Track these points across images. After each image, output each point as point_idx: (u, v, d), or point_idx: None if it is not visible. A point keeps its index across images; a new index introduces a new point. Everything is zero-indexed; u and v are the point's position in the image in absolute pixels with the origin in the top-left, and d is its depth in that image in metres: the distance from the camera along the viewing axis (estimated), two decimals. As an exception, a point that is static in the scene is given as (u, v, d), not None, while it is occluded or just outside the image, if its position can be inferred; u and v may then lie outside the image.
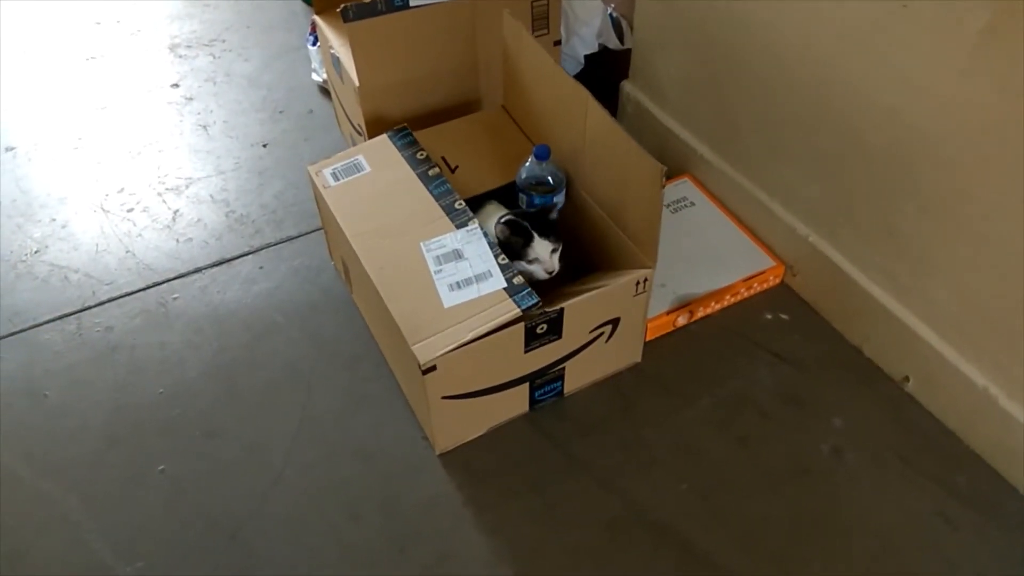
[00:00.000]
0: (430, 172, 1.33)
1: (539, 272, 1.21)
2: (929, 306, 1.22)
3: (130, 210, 1.67)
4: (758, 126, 1.42)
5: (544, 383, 1.26)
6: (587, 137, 1.25)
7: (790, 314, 1.42)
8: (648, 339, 1.37)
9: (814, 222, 1.37)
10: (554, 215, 1.27)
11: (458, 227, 1.23)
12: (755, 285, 1.44)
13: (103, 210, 1.67)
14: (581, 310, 1.18)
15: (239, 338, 1.42)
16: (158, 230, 1.62)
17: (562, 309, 1.15)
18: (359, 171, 1.36)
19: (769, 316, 1.42)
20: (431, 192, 1.29)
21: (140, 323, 1.46)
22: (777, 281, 1.46)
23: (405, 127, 1.41)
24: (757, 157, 1.45)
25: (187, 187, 1.71)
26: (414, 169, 1.34)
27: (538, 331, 1.16)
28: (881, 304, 1.28)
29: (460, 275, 1.17)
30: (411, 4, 1.41)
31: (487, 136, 1.46)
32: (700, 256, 1.46)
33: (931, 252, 1.18)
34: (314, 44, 1.87)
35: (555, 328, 1.17)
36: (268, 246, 1.58)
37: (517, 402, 1.26)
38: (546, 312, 1.14)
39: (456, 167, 1.39)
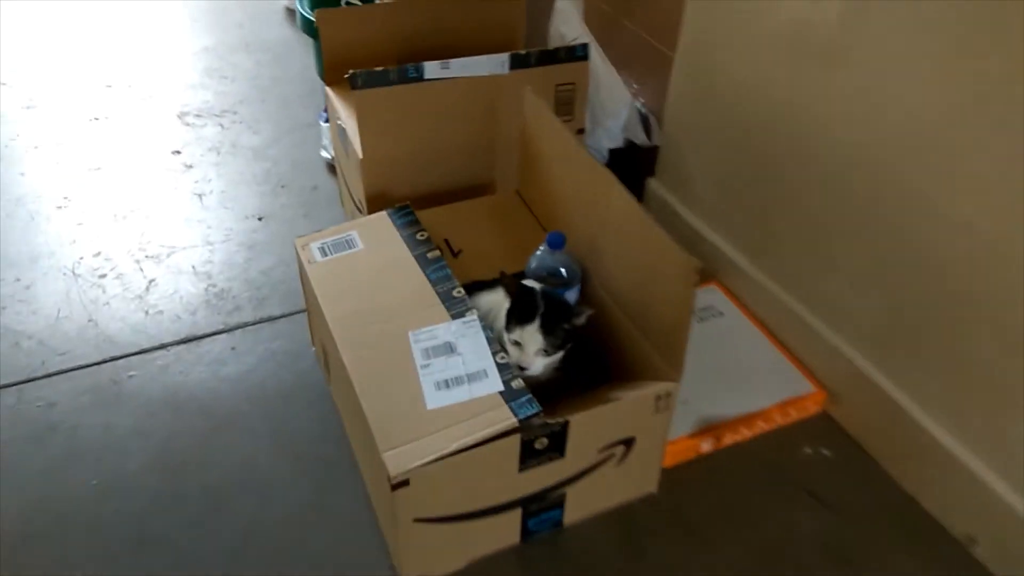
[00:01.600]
0: (429, 254, 1.17)
1: (512, 358, 1.02)
2: (1006, 456, 1.02)
3: (102, 276, 1.52)
4: (799, 232, 1.27)
5: (540, 510, 1.06)
6: (609, 225, 1.10)
7: (833, 450, 1.22)
8: (666, 465, 1.17)
9: (863, 343, 1.20)
10: (577, 320, 1.05)
11: (454, 317, 1.07)
12: (791, 412, 1.25)
13: (73, 274, 1.53)
14: (590, 425, 0.99)
15: (195, 427, 1.24)
16: (128, 299, 1.47)
17: (567, 422, 0.97)
18: (351, 248, 1.21)
19: (808, 450, 1.22)
20: (428, 276, 1.14)
21: (87, 401, 1.28)
22: (817, 409, 1.27)
23: (407, 205, 1.27)
24: (797, 267, 1.29)
25: (168, 256, 1.57)
26: (412, 250, 1.19)
27: (537, 446, 0.97)
28: (943, 447, 1.09)
29: (450, 372, 1.00)
30: (425, 76, 1.30)
31: (497, 221, 1.32)
32: (729, 373, 1.28)
33: (1012, 390, 0.99)
34: (326, 120, 1.77)
35: (558, 444, 0.98)
36: (245, 325, 1.42)
37: (506, 531, 1.06)
38: (548, 424, 0.96)
39: (460, 251, 1.24)
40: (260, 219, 1.68)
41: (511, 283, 1.06)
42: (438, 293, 1.11)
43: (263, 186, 1.77)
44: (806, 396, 1.25)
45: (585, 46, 1.37)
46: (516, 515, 1.04)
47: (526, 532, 1.07)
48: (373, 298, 1.12)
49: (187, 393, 1.29)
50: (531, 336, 1.01)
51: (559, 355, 1.04)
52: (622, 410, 1.01)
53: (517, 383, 0.98)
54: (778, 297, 1.33)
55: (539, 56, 1.34)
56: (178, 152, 1.88)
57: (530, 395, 0.96)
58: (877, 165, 1.10)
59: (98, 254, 1.57)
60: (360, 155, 1.33)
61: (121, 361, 1.35)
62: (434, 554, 1.02)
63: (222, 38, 2.38)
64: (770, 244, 1.34)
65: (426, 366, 1.01)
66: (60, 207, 1.70)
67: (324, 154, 1.82)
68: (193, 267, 1.55)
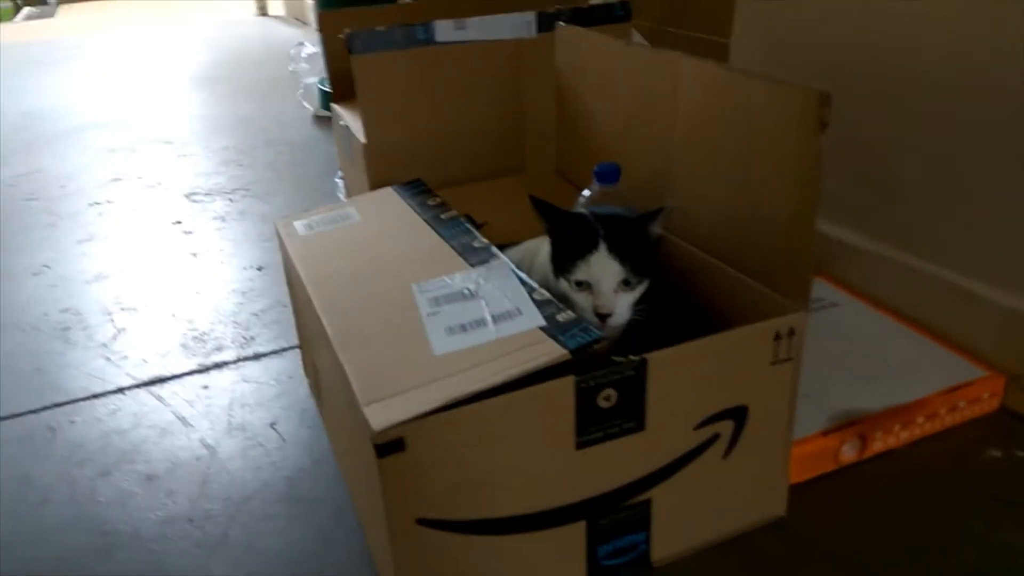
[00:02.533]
0: (443, 215, 0.90)
1: (584, 312, 0.71)
2: None
3: (65, 328, 1.27)
4: (933, 176, 0.97)
5: (614, 529, 0.69)
6: (681, 122, 0.81)
7: (1033, 451, 0.85)
8: (794, 481, 0.81)
9: (1050, 295, 0.86)
10: (654, 228, 0.75)
11: (474, 265, 0.78)
12: (960, 404, 0.88)
13: (33, 328, 1.28)
14: (680, 372, 0.66)
15: (133, 477, 0.92)
16: (89, 348, 1.20)
17: (644, 360, 0.64)
18: (345, 220, 0.94)
19: (997, 453, 0.85)
20: (441, 233, 0.86)
21: (14, 451, 0.98)
22: (995, 401, 0.90)
23: (419, 180, 1.02)
24: (935, 222, 0.98)
25: (147, 306, 1.32)
26: (423, 214, 0.92)
27: (602, 402, 0.63)
28: None
29: (467, 316, 0.69)
30: (437, 39, 1.10)
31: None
32: (861, 364, 0.94)
33: None
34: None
35: (633, 403, 0.65)
36: (223, 364, 1.13)
37: (565, 565, 0.69)
38: (617, 363, 0.63)
39: (484, 223, 0.97)
40: (260, 269, 1.43)
41: (551, 210, 0.76)
42: (454, 247, 0.82)
43: (268, 242, 1.55)
44: (975, 382, 0.89)
45: (626, 3, 1.17)
46: (578, 535, 0.68)
47: (596, 570, 0.70)
48: (369, 258, 0.84)
49: (138, 436, 0.99)
50: (603, 266, 0.71)
51: (644, 286, 0.73)
52: (725, 350, 0.67)
53: (565, 315, 0.66)
54: (910, 267, 1.00)
55: (571, 15, 1.13)
56: (179, 222, 1.69)
57: (586, 323, 0.64)
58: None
59: (66, 310, 1.33)
60: (363, 140, 1.10)
61: (68, 407, 1.06)
62: (453, 594, 0.66)
63: (244, 138, 2.28)
64: (889, 203, 1.04)
65: (434, 314, 0.70)
66: (36, 273, 1.48)
67: (338, 209, 1.61)
68: (173, 314, 1.29)
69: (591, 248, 0.71)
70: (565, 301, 0.70)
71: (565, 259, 0.73)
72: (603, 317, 0.70)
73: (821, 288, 1.10)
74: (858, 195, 1.07)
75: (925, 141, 0.96)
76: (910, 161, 0.98)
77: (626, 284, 0.71)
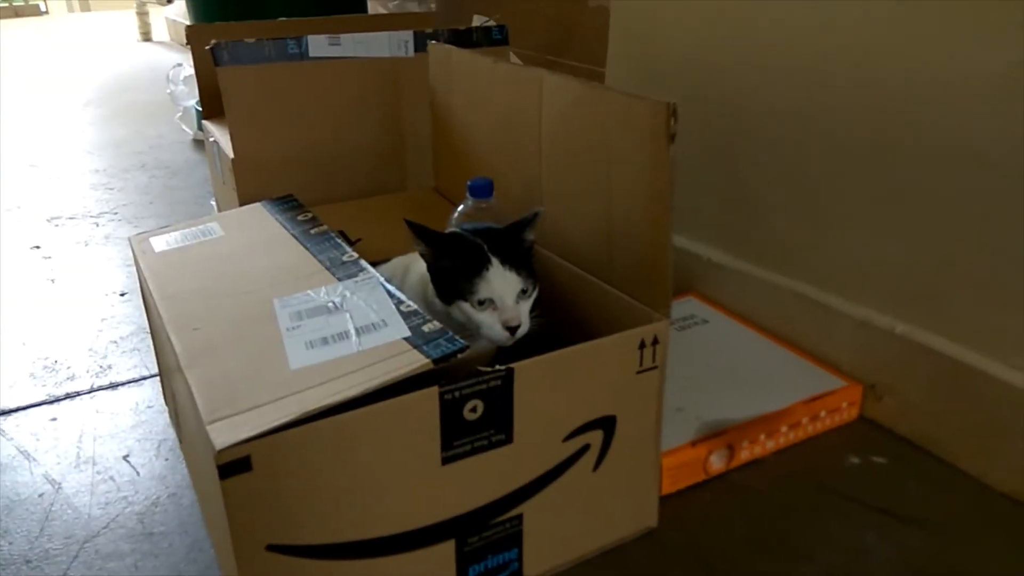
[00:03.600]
0: (313, 231, 0.87)
1: (492, 329, 0.70)
2: None
3: None
4: (791, 195, 1.02)
5: (485, 548, 0.67)
6: (545, 143, 0.82)
7: (887, 455, 0.88)
8: (666, 491, 0.81)
9: (904, 303, 0.90)
10: (528, 234, 0.74)
11: (342, 279, 0.75)
12: (821, 413, 0.91)
13: None
14: (546, 381, 0.65)
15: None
16: (-81, 381, 1.09)
17: (511, 370, 0.63)
18: (207, 236, 0.90)
19: (856, 460, 0.88)
20: (309, 248, 0.83)
21: None
22: (854, 411, 0.94)
23: (290, 195, 0.98)
24: (793, 239, 1.02)
25: (-9, 336, 1.22)
26: (291, 229, 0.88)
27: (468, 415, 0.62)
28: (1047, 407, 0.77)
29: (329, 330, 0.66)
30: (311, 54, 1.07)
31: (408, 213, 1.02)
32: (729, 377, 0.96)
33: None
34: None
35: (500, 415, 0.63)
36: (75, 395, 1.05)
37: (433, 585, 0.66)
38: (481, 372, 0.61)
39: (358, 240, 0.94)
40: (122, 294, 1.35)
41: (428, 233, 0.74)
42: (321, 261, 0.79)
43: (132, 267, 1.46)
44: (836, 392, 0.92)
45: (503, 28, 1.18)
46: (447, 555, 0.66)
47: (466, 590, 0.68)
48: (229, 274, 0.80)
49: (-30, 475, 0.90)
50: (501, 280, 0.69)
51: (536, 291, 0.72)
52: (592, 359, 0.67)
53: (431, 326, 0.65)
54: (774, 284, 1.04)
55: (449, 36, 1.13)
56: (37, 247, 1.57)
57: (451, 333, 0.63)
58: (870, 91, 0.88)
59: None
60: (231, 155, 1.06)
61: None
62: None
63: (116, 161, 2.16)
64: (753, 223, 1.08)
65: (294, 328, 0.67)
66: None
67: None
68: (23, 343, 1.19)
69: (484, 265, 0.70)
70: (452, 323, 0.68)
71: (457, 281, 0.70)
72: (513, 330, 0.69)
73: (692, 306, 1.13)
74: (725, 215, 1.11)
75: (782, 161, 1.01)
76: (770, 181, 1.03)
77: (524, 293, 0.70)
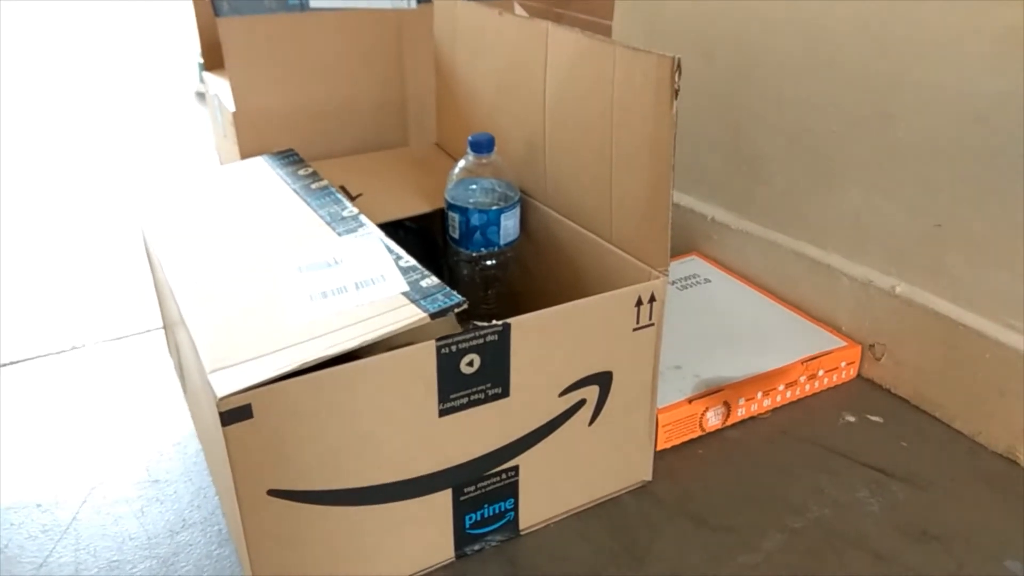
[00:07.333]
0: (313, 185, 0.87)
1: None
2: None
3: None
4: (794, 154, 1.01)
5: (482, 498, 0.69)
6: (549, 98, 0.81)
7: (883, 415, 0.89)
8: (662, 447, 0.83)
9: (904, 264, 0.90)
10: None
11: (342, 234, 0.75)
12: (819, 372, 0.92)
13: None
14: (542, 336, 0.66)
15: (-20, 458, 0.85)
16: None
17: (507, 325, 0.63)
18: (208, 190, 0.90)
19: (852, 418, 0.89)
20: (310, 203, 0.83)
21: None
22: (852, 370, 0.95)
23: (291, 150, 0.98)
24: (796, 199, 1.02)
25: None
26: (291, 184, 0.88)
27: (464, 368, 0.63)
28: (1043, 368, 0.77)
29: (328, 284, 0.67)
30: (311, 4, 1.06)
31: (409, 167, 1.03)
32: (729, 336, 0.96)
33: None
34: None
35: (497, 369, 0.64)
36: (82, 346, 1.06)
37: (429, 534, 0.68)
38: (478, 327, 0.62)
39: (359, 195, 0.94)
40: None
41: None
42: (322, 216, 0.80)
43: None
44: (834, 351, 0.93)
45: (508, -22, 1.16)
46: (444, 503, 0.67)
47: (464, 538, 0.70)
48: (229, 228, 0.80)
49: (-18, 422, 0.92)
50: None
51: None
52: (588, 315, 0.68)
53: (429, 281, 0.65)
54: (776, 244, 1.04)
55: (452, -13, 1.12)
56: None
57: (448, 288, 0.63)
58: (874, 45, 0.86)
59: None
60: (232, 108, 1.05)
61: None
62: (301, 559, 0.63)
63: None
64: (754, 185, 1.07)
65: (294, 281, 0.68)
66: None
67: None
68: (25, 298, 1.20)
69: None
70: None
71: None
72: None
73: (696, 265, 1.13)
74: (729, 175, 1.10)
75: (787, 120, 1.00)
76: (774, 140, 1.02)
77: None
